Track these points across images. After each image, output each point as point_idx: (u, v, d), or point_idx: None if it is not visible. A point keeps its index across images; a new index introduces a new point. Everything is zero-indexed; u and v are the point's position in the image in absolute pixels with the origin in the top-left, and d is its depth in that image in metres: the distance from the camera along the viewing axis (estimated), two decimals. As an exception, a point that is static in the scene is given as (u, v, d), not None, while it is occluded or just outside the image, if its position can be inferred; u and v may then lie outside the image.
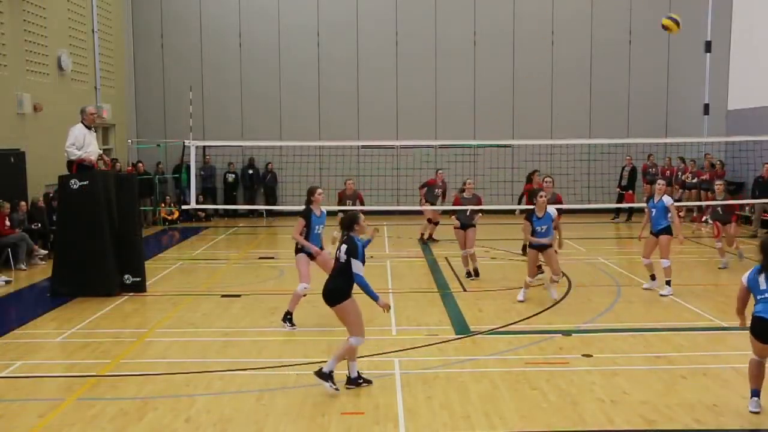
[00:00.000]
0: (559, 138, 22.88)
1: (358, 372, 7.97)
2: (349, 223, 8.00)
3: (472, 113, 24.85)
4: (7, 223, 15.27)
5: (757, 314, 7.09)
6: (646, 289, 12.70)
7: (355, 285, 7.88)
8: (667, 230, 12.43)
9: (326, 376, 7.72)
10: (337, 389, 7.73)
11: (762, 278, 7.20)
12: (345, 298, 7.83)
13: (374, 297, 7.90)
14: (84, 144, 12.69)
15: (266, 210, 24.32)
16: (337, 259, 7.97)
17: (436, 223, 18.22)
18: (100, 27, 22.05)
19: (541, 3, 24.87)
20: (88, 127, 12.85)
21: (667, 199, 12.42)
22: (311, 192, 10.43)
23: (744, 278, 7.45)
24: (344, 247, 7.86)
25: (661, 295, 12.15)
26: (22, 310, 12.46)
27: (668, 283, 12.31)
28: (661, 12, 24.75)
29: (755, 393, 7.27)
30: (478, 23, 24.85)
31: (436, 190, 18.41)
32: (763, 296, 7.12)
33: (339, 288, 7.85)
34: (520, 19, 24.88)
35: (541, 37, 24.82)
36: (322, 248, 10.49)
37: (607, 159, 21.95)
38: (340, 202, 16.06)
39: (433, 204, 18.18)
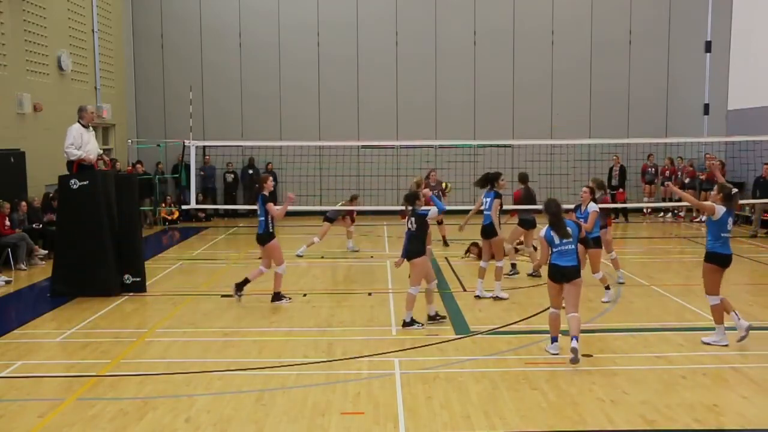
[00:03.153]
0: (559, 138, 22.88)
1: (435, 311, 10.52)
2: (413, 198, 10.40)
3: (472, 113, 24.85)
4: (7, 223, 15.26)
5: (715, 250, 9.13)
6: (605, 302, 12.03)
7: None
8: (596, 241, 11.67)
9: (409, 323, 10.19)
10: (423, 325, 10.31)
11: (730, 220, 9.16)
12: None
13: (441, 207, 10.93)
14: (83, 143, 12.68)
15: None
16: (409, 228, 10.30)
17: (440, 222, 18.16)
18: (100, 27, 22.06)
19: (541, 3, 24.88)
20: (86, 126, 12.82)
21: (591, 206, 11.45)
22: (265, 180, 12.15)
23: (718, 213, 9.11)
24: (413, 219, 10.22)
25: (604, 302, 11.77)
26: (22, 310, 12.46)
27: (607, 288, 11.99)
28: (661, 12, 24.90)
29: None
30: (478, 23, 24.85)
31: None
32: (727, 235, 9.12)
33: (418, 249, 10.29)
34: (520, 19, 24.89)
35: (541, 37, 24.83)
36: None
37: (607, 159, 22.01)
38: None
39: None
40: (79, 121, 12.76)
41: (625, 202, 21.96)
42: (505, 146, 21.43)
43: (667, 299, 12.04)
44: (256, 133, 23.92)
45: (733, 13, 22.11)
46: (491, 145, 21.15)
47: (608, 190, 15.34)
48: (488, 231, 12.03)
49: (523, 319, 10.84)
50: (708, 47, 23.50)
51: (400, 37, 24.86)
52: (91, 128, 13.01)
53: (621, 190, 22.28)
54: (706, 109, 23.55)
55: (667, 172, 23.23)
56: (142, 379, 8.33)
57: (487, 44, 24.80)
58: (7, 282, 13.96)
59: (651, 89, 24.96)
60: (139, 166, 22.76)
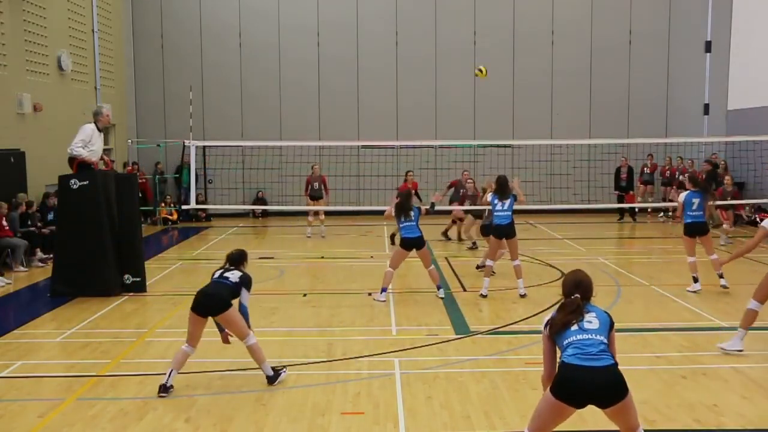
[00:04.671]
0: (559, 138, 22.90)
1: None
2: (241, 258, 8.73)
3: (472, 113, 24.85)
4: (5, 223, 15.15)
5: None
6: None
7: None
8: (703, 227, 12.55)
9: (273, 378, 8.07)
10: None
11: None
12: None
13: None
14: (90, 142, 12.69)
15: (265, 210, 24.32)
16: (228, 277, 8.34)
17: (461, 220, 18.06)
18: (100, 27, 22.06)
19: (541, 3, 24.87)
20: (100, 130, 12.87)
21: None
22: None
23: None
24: (237, 273, 8.44)
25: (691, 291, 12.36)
26: (22, 310, 12.45)
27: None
28: (661, 12, 24.94)
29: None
30: (478, 23, 24.85)
31: (461, 190, 17.93)
32: None
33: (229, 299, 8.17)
34: (520, 19, 24.89)
35: (541, 38, 24.83)
36: None
37: (607, 159, 22.02)
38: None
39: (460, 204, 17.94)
40: (96, 123, 12.78)
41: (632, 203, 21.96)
42: (505, 146, 21.45)
43: (667, 299, 12.04)
44: (256, 133, 23.91)
45: (733, 13, 22.11)
46: (491, 146, 21.18)
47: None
48: (508, 231, 12.11)
49: (523, 319, 10.84)
50: (708, 47, 23.51)
51: (400, 37, 24.86)
52: (101, 132, 13.02)
53: (631, 192, 22.24)
54: (706, 109, 23.56)
55: (667, 172, 23.20)
56: (142, 379, 8.33)
57: (487, 44, 24.79)
58: (7, 283, 13.95)
59: (651, 89, 24.96)
60: (131, 168, 22.67)
